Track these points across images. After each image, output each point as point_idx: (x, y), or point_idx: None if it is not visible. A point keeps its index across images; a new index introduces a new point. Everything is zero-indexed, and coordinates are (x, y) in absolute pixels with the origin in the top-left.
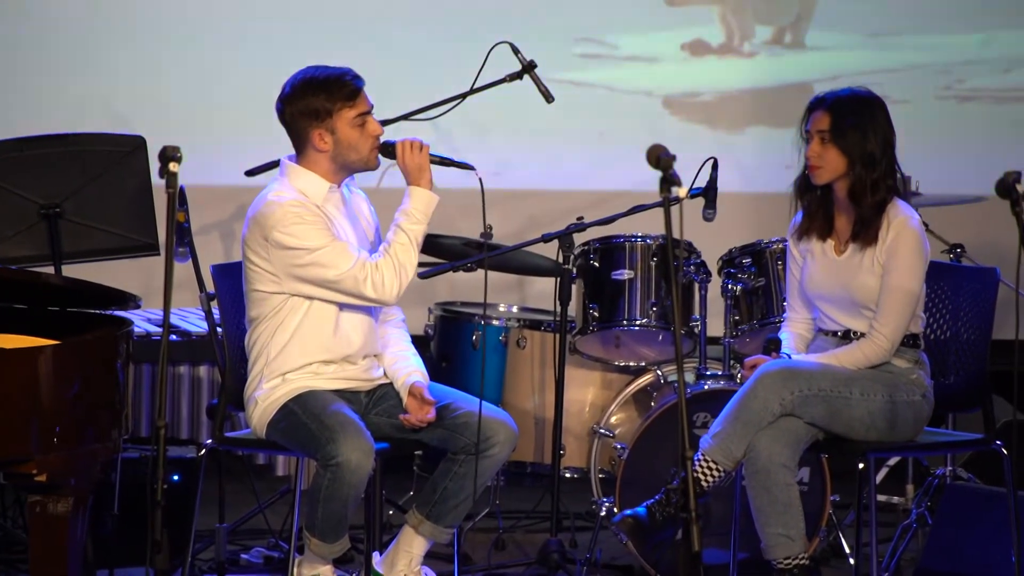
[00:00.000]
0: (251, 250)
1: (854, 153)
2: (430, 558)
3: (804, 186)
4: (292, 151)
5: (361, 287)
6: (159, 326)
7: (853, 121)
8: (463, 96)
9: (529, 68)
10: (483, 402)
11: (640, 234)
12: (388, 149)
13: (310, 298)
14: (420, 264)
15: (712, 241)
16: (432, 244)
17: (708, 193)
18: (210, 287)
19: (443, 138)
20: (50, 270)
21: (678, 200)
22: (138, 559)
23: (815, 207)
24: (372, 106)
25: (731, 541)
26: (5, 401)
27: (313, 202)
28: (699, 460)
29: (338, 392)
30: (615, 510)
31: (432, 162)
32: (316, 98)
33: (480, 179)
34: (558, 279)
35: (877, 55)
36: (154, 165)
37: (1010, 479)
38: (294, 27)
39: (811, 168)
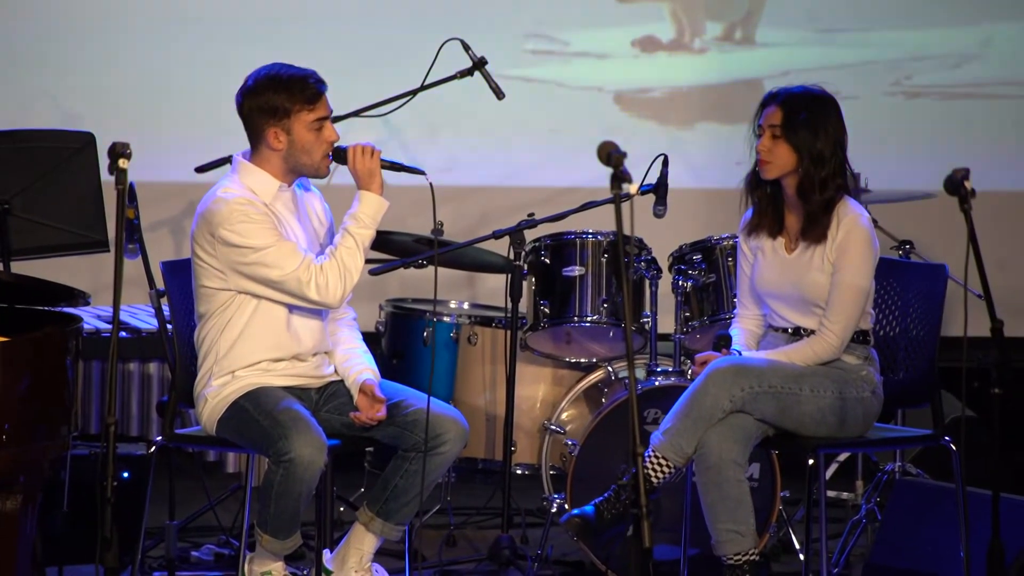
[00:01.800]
0: (199, 246)
1: (803, 149)
2: (381, 555)
3: (754, 182)
4: (241, 150)
5: (304, 289)
6: (109, 323)
7: (805, 117)
8: (414, 93)
9: (480, 65)
10: (434, 399)
11: (591, 230)
12: (339, 154)
13: (257, 296)
14: (371, 261)
15: (663, 237)
16: (383, 241)
17: (659, 189)
18: (160, 284)
19: (394, 135)
20: None
21: (629, 196)
22: (88, 556)
23: (765, 204)
24: (332, 112)
25: (682, 537)
26: None
27: (262, 200)
28: (650, 456)
29: (288, 389)
30: (566, 506)
31: (383, 167)
32: (276, 96)
33: (431, 183)
34: (509, 276)
35: (826, 51)
36: (104, 161)
37: (959, 474)
38: (244, 24)
39: (760, 162)
